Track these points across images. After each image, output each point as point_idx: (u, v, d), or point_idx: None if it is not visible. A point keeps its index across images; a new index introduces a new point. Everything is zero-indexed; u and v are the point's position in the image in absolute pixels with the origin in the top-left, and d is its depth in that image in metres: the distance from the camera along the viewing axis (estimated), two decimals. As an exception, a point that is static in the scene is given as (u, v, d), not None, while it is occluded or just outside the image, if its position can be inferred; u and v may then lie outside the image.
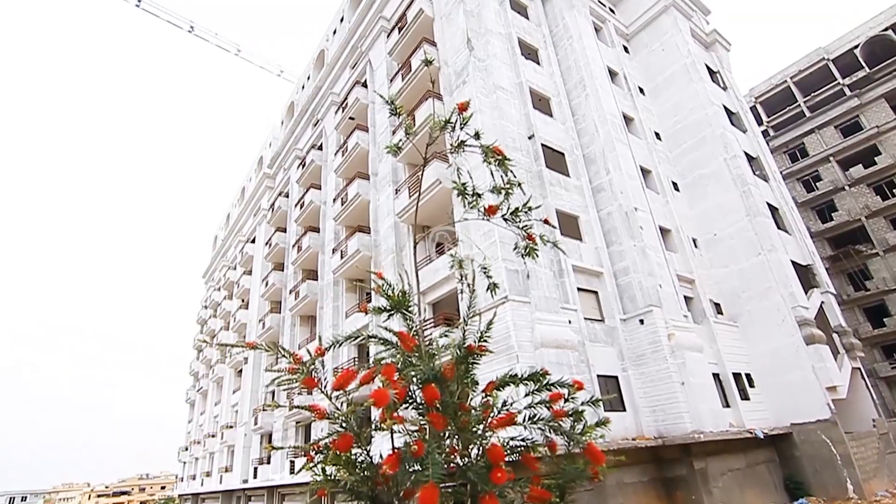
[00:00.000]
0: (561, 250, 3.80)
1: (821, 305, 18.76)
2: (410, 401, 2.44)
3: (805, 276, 19.20)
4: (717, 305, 18.04)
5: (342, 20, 29.16)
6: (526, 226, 2.97)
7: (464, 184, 3.01)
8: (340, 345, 2.72)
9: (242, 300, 36.81)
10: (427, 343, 2.88)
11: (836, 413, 15.27)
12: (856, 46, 33.99)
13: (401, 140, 3.42)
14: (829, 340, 17.45)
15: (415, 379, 2.38)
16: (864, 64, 33.78)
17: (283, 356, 2.62)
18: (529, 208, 3.02)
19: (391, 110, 3.05)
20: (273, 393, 27.11)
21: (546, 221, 3.05)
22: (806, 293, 18.05)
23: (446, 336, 3.24)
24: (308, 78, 33.47)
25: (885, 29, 32.70)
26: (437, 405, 2.28)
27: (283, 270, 30.26)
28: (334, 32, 30.11)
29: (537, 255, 2.95)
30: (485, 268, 3.44)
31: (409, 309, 3.17)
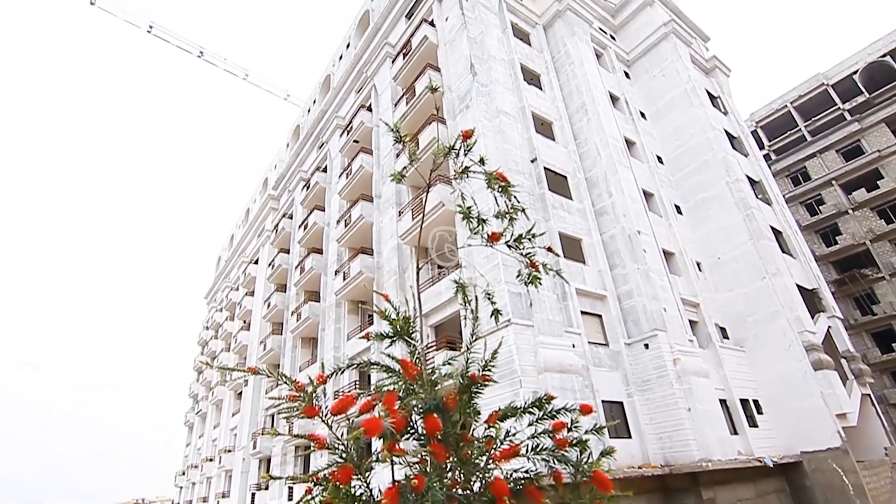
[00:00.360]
0: (564, 280, 3.79)
1: (828, 330, 18.53)
2: (411, 431, 2.39)
3: (811, 300, 19.05)
4: (723, 330, 17.86)
5: (348, 46, 29.79)
6: (529, 253, 2.96)
7: (468, 208, 3.02)
8: (342, 371, 2.69)
9: (244, 321, 36.69)
10: (429, 370, 2.84)
11: (847, 441, 14.93)
12: (855, 72, 34.42)
13: (404, 168, 3.45)
14: (837, 366, 17.18)
15: (416, 408, 2.34)
16: (863, 89, 34.15)
17: (284, 383, 2.59)
18: (533, 235, 3.01)
19: (395, 137, 3.07)
20: (273, 417, 26.80)
21: (549, 249, 3.04)
22: (812, 318, 17.87)
23: (449, 364, 3.20)
24: (314, 102, 34.03)
25: (884, 55, 33.14)
26: (439, 436, 2.23)
27: (285, 292, 30.24)
28: (340, 58, 30.73)
29: (540, 284, 2.93)
30: (488, 294, 3.42)
31: (412, 334, 3.14)
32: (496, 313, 3.42)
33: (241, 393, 33.33)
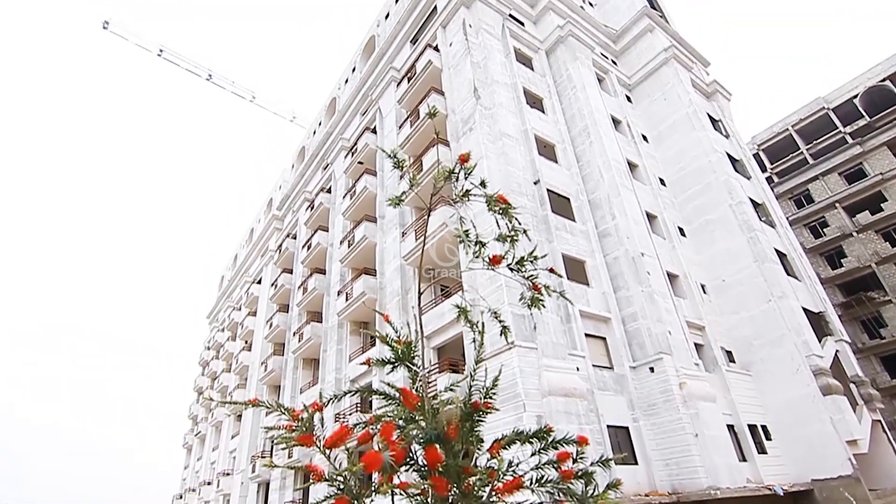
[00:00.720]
0: (568, 300, 3.74)
1: (835, 354, 18.26)
2: (412, 462, 2.32)
3: (818, 323, 18.82)
4: (729, 353, 17.62)
5: (354, 70, 30.33)
6: (532, 276, 2.92)
7: (466, 231, 2.99)
8: (339, 399, 2.64)
9: (245, 342, 36.50)
10: (431, 396, 2.78)
11: (859, 468, 14.56)
12: (855, 96, 34.72)
13: (403, 193, 3.44)
14: (846, 391, 16.87)
15: (416, 438, 2.28)
16: (864, 113, 34.39)
17: (281, 412, 2.53)
18: (535, 258, 2.98)
19: (394, 164, 3.08)
20: (272, 440, 26.40)
21: (552, 271, 3.00)
22: (819, 341, 17.63)
23: (451, 390, 3.13)
24: (319, 124, 34.50)
25: (884, 79, 33.48)
26: (440, 468, 2.16)
27: (287, 312, 30.14)
28: (346, 81, 31.26)
29: (543, 307, 2.88)
30: (495, 313, 3.37)
31: (414, 359, 3.09)
32: (505, 330, 3.37)
33: (240, 415, 32.95)
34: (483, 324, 3.28)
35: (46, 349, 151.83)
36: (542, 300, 2.84)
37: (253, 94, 64.31)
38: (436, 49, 21.06)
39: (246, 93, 63.93)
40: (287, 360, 27.62)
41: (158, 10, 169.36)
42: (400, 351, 3.10)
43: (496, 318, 3.01)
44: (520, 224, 3.04)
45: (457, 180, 3.34)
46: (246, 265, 43.04)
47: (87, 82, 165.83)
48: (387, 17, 27.45)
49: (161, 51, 58.89)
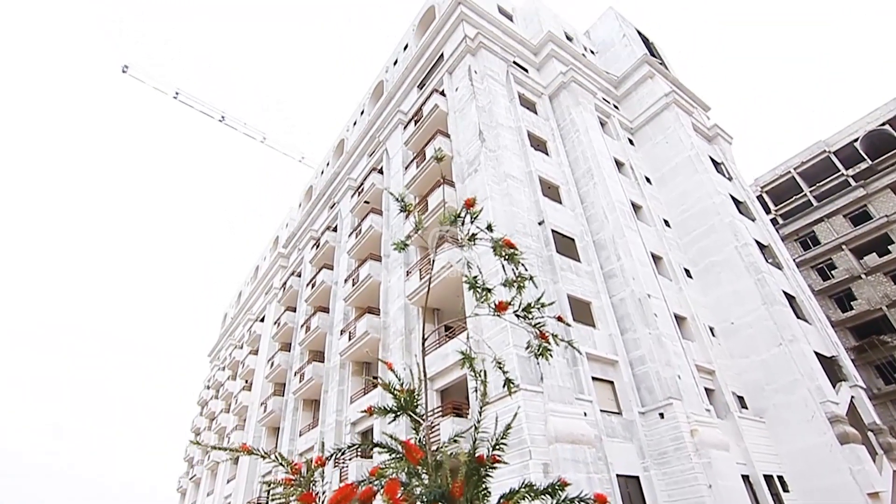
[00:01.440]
0: (577, 350, 3.66)
1: (851, 400, 17.70)
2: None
3: (831, 368, 18.36)
4: (741, 399, 17.14)
5: (362, 113, 31.19)
6: (539, 323, 2.87)
7: (475, 277, 2.96)
8: (343, 453, 2.54)
9: (246, 381, 35.95)
10: (435, 448, 2.68)
11: (884, 525, 13.83)
12: (856, 139, 35.19)
13: (408, 236, 3.44)
14: (864, 440, 16.25)
15: (420, 498, 2.18)
16: (865, 156, 34.75)
17: (280, 464, 2.44)
18: (542, 304, 2.93)
19: (401, 207, 3.09)
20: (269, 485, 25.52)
21: (560, 319, 2.95)
22: (834, 387, 17.13)
23: (456, 441, 3.02)
24: (327, 164, 35.18)
25: (883, 123, 34.00)
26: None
27: (289, 351, 29.82)
28: (354, 123, 32.10)
29: (551, 356, 2.81)
30: (499, 362, 3.30)
31: (417, 408, 3.00)
32: (508, 383, 3.28)
33: (237, 459, 32.06)
34: (485, 372, 3.20)
35: (46, 349, 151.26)
36: (549, 350, 2.77)
37: (264, 135, 66.04)
38: (442, 94, 21.69)
39: (257, 133, 65.69)
40: (287, 400, 27.09)
41: (175, 55, 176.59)
42: (402, 399, 3.01)
43: (500, 367, 2.94)
44: (526, 270, 3.01)
45: (462, 224, 3.34)
46: (249, 303, 42.94)
47: (108, 119, 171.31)
48: (395, 63, 28.45)
49: (177, 93, 61.02)
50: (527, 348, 2.93)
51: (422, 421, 3.03)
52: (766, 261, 20.22)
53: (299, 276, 32.32)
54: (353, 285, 22.40)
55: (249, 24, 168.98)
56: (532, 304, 2.88)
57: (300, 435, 24.66)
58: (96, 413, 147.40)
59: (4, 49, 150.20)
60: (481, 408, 2.97)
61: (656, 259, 19.07)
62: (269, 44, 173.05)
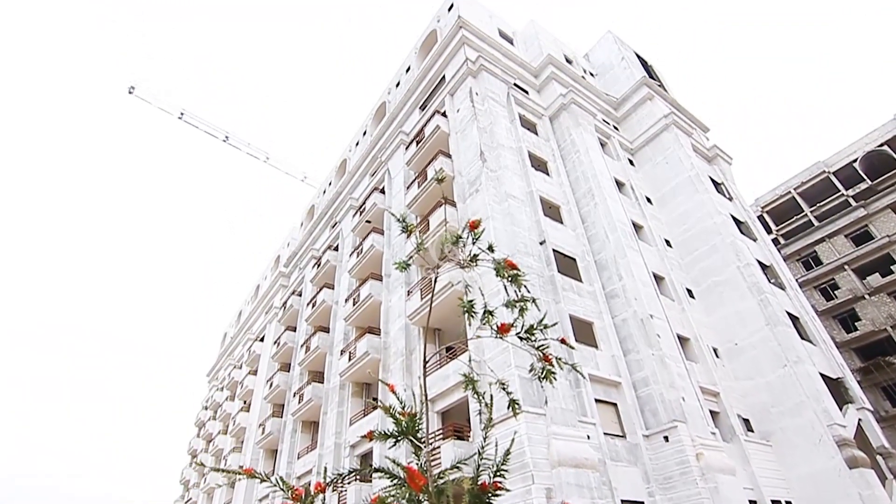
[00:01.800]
0: (581, 374, 3.60)
1: (858, 423, 17.42)
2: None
3: (837, 390, 18.10)
4: (746, 422, 16.86)
5: (364, 133, 31.52)
6: (542, 346, 2.82)
7: (471, 301, 2.93)
8: (343, 478, 2.48)
9: (244, 402, 35.54)
10: (436, 474, 2.61)
11: (897, 553, 13.46)
12: (855, 160, 35.37)
13: (410, 256, 3.42)
14: (873, 463, 15.93)
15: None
16: (864, 176, 34.90)
17: (280, 489, 2.38)
18: (545, 326, 2.89)
19: (402, 228, 3.07)
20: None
21: (563, 341, 2.90)
22: (840, 409, 16.87)
23: (458, 468, 2.95)
24: (329, 184, 35.41)
25: (881, 144, 34.22)
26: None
27: (288, 371, 29.55)
28: (357, 144, 32.41)
29: (555, 379, 2.76)
30: (503, 384, 3.24)
31: (418, 432, 2.93)
32: (513, 404, 3.21)
33: (234, 482, 31.50)
34: (491, 396, 3.14)
35: (46, 349, 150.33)
36: (553, 373, 2.72)
37: (267, 155, 66.69)
38: (444, 115, 21.93)
39: (260, 153, 66.33)
40: (285, 422, 26.73)
41: (180, 76, 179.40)
42: (403, 424, 2.95)
43: (504, 389, 2.88)
44: (528, 292, 2.98)
45: (464, 246, 3.32)
46: (249, 322, 42.75)
47: (115, 136, 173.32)
48: (397, 85, 28.86)
49: (182, 114, 61.84)
50: (530, 371, 2.88)
51: (423, 446, 2.97)
52: (769, 281, 20.13)
53: (300, 295, 32.23)
54: (354, 305, 22.30)
55: (248, 25, 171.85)
56: (535, 326, 2.84)
57: (298, 458, 24.25)
58: (90, 431, 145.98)
59: (20, 72, 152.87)
60: (485, 433, 2.90)
61: (658, 279, 19.00)
62: (268, 48, 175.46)
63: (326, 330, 26.11)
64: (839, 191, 36.05)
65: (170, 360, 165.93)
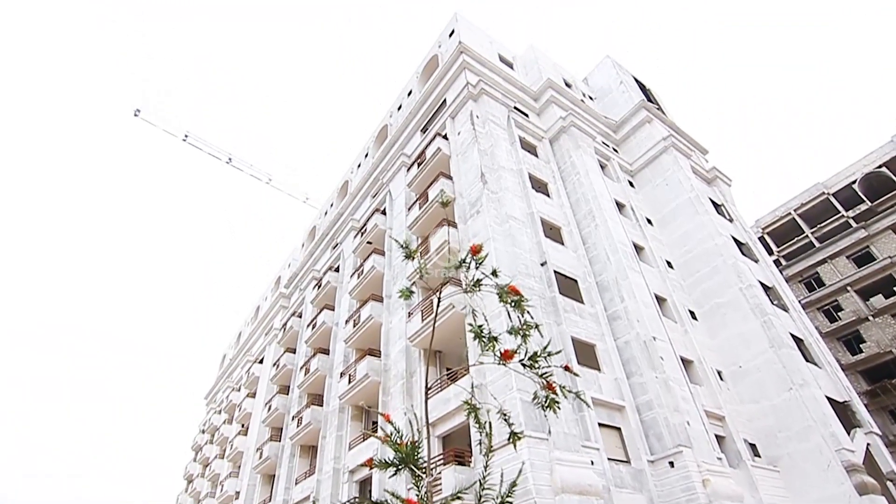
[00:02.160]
0: (585, 402, 3.53)
1: (867, 448, 17.09)
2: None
3: (844, 413, 17.82)
4: (753, 447, 16.55)
5: (367, 156, 31.81)
6: (545, 373, 2.78)
7: (479, 326, 2.89)
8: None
9: (242, 425, 35.04)
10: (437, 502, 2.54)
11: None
12: (853, 182, 35.53)
13: (412, 283, 3.40)
14: (883, 489, 15.57)
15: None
16: (864, 198, 35.01)
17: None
18: (549, 353, 2.85)
19: (405, 255, 3.05)
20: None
21: (567, 369, 2.86)
22: (848, 434, 16.57)
23: (460, 498, 2.87)
24: (331, 205, 35.59)
25: (880, 166, 34.43)
26: None
27: (287, 394, 29.19)
28: (359, 166, 32.68)
29: (559, 408, 2.71)
30: (504, 414, 3.18)
31: (419, 460, 2.86)
32: (513, 436, 3.14)
33: (231, 506, 30.85)
34: (490, 424, 3.07)
35: (46, 349, 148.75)
36: (557, 403, 2.67)
37: (269, 177, 67.29)
38: (445, 137, 22.16)
39: (263, 175, 66.90)
40: (283, 446, 26.30)
41: (180, 76, 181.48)
42: (404, 452, 2.88)
43: (505, 420, 2.82)
44: (532, 318, 2.95)
45: (467, 270, 3.30)
46: (249, 344, 42.45)
47: (121, 157, 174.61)
48: (399, 108, 29.26)
49: (186, 136, 62.61)
50: (533, 399, 2.82)
51: (423, 476, 2.89)
52: (772, 302, 20.01)
53: (300, 316, 32.06)
54: (354, 326, 22.16)
55: (248, 25, 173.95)
56: (538, 353, 2.79)
57: (296, 483, 23.78)
58: (90, 431, 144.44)
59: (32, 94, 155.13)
60: (486, 461, 2.83)
61: (660, 301, 18.90)
62: (268, 48, 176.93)
63: (326, 352, 25.89)
64: (839, 212, 36.12)
65: (170, 360, 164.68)
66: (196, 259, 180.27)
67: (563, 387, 2.66)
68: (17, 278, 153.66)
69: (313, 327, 27.28)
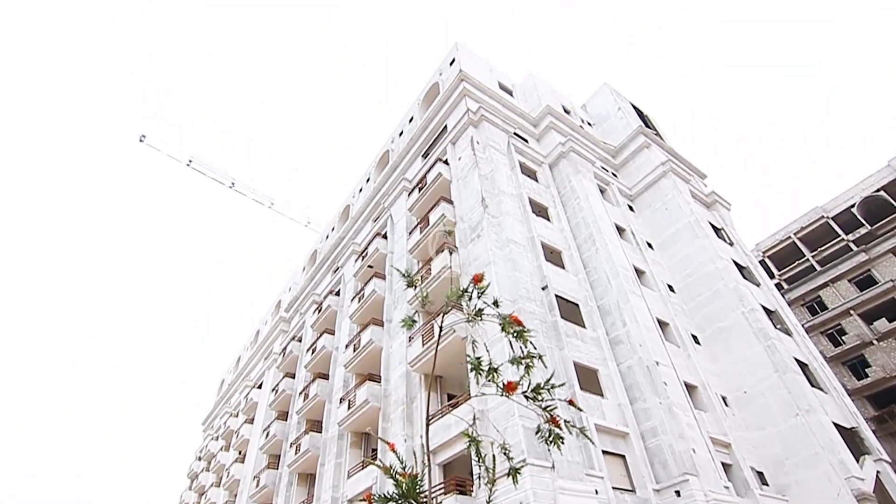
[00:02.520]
0: (590, 440, 3.49)
1: (877, 475, 16.71)
2: None
3: (852, 440, 17.50)
4: (760, 474, 16.20)
5: (368, 180, 32.11)
6: (549, 406, 2.75)
7: (478, 359, 2.88)
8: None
9: (239, 452, 34.43)
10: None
11: None
12: (852, 205, 35.70)
13: (415, 312, 3.40)
14: (897, 521, 15.19)
15: None
16: (863, 221, 35.13)
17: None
18: (552, 386, 2.83)
19: (407, 283, 3.07)
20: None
21: (571, 403, 2.83)
22: (857, 461, 16.25)
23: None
24: (332, 229, 35.75)
25: (878, 190, 34.65)
26: None
27: (286, 420, 28.78)
28: (360, 191, 32.96)
29: (562, 443, 2.68)
30: (505, 449, 3.13)
31: (420, 495, 2.82)
32: (513, 472, 3.09)
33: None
34: (494, 456, 3.03)
35: (46, 349, 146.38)
36: (561, 438, 2.64)
37: (272, 201, 67.74)
38: (445, 162, 22.41)
39: (265, 199, 67.37)
40: (281, 474, 25.79)
41: (180, 76, 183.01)
42: (404, 486, 2.84)
43: (505, 454, 2.79)
44: (535, 348, 2.94)
45: (469, 299, 3.30)
46: (248, 368, 42.06)
47: (127, 179, 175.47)
48: (401, 134, 29.68)
49: (190, 161, 63.30)
50: (536, 433, 2.79)
51: (426, 512, 2.85)
52: (775, 326, 19.87)
53: (300, 340, 31.84)
54: (355, 351, 21.99)
55: (248, 25, 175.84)
56: (542, 385, 2.77)
57: (294, 513, 23.24)
58: (90, 431, 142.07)
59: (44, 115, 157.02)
60: (489, 496, 2.78)
61: (662, 325, 18.78)
62: (268, 48, 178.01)
63: (326, 377, 25.64)
64: (839, 235, 36.19)
65: (170, 360, 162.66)
66: (197, 267, 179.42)
67: (568, 421, 2.64)
68: (18, 280, 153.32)
69: (313, 352, 27.07)
